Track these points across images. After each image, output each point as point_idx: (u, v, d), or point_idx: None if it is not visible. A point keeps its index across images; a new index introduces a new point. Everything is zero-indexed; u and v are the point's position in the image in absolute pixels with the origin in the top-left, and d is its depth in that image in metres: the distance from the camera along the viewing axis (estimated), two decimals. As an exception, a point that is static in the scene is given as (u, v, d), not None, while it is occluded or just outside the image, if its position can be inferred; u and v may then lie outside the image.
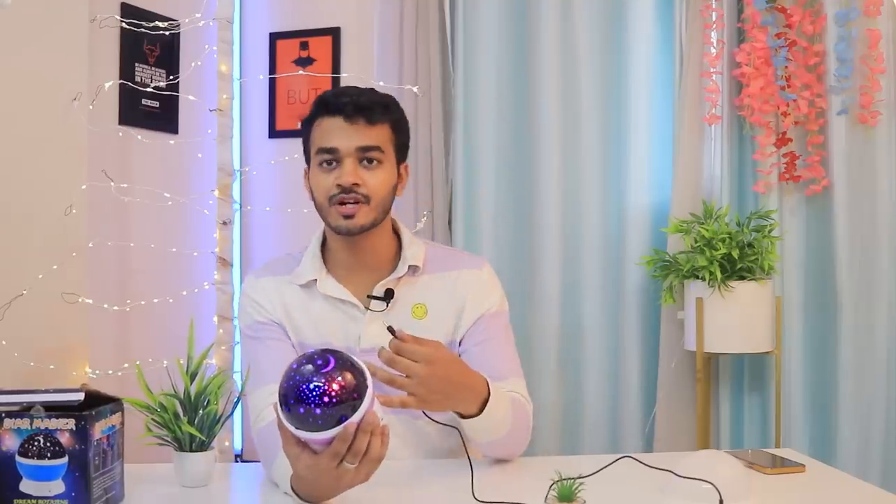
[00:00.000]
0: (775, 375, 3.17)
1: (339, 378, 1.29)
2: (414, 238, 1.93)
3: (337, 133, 1.78)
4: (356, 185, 1.76)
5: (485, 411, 1.65)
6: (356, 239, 1.82)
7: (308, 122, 1.86)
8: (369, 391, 1.32)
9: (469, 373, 1.66)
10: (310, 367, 1.30)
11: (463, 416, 1.67)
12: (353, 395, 1.30)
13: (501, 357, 1.87)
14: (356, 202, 1.77)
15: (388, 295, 1.83)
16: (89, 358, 3.06)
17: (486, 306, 1.89)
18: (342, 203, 1.77)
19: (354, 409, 1.30)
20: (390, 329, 1.55)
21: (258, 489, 1.73)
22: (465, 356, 1.83)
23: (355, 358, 1.34)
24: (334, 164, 1.79)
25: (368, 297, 1.83)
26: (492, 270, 1.96)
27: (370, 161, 1.79)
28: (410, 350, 1.55)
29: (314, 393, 1.28)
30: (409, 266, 1.86)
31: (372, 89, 1.86)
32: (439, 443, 1.87)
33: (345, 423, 1.29)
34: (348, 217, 1.77)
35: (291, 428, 1.31)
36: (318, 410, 1.28)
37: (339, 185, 1.76)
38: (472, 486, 1.52)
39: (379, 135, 1.80)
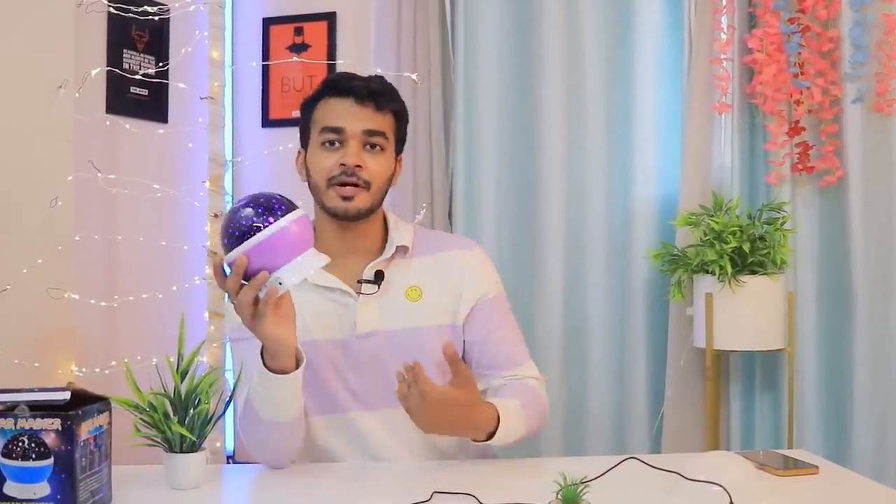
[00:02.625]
0: (788, 373, 3.16)
1: (235, 215, 1.53)
2: (399, 220, 2.00)
3: (345, 114, 1.86)
4: (359, 167, 1.83)
5: (493, 439, 1.77)
6: (349, 224, 1.89)
7: (312, 102, 1.93)
8: (256, 238, 1.50)
9: (472, 414, 1.75)
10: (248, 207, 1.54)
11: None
12: (237, 232, 1.51)
13: (512, 343, 1.98)
14: (356, 185, 1.84)
15: (379, 277, 1.88)
16: (75, 355, 3.06)
17: (483, 289, 1.96)
18: (342, 184, 1.84)
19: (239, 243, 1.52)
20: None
21: (251, 491, 1.73)
22: (474, 347, 1.93)
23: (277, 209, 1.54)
24: (337, 144, 1.86)
25: (359, 281, 1.88)
26: (483, 252, 2.04)
27: (374, 146, 1.87)
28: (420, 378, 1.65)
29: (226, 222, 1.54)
30: (398, 247, 1.92)
31: (379, 76, 1.97)
32: (444, 444, 1.92)
33: (215, 258, 1.53)
34: (347, 199, 1.84)
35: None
36: (224, 240, 1.54)
37: (342, 165, 1.84)
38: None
39: (384, 121, 1.89)
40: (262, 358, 1.66)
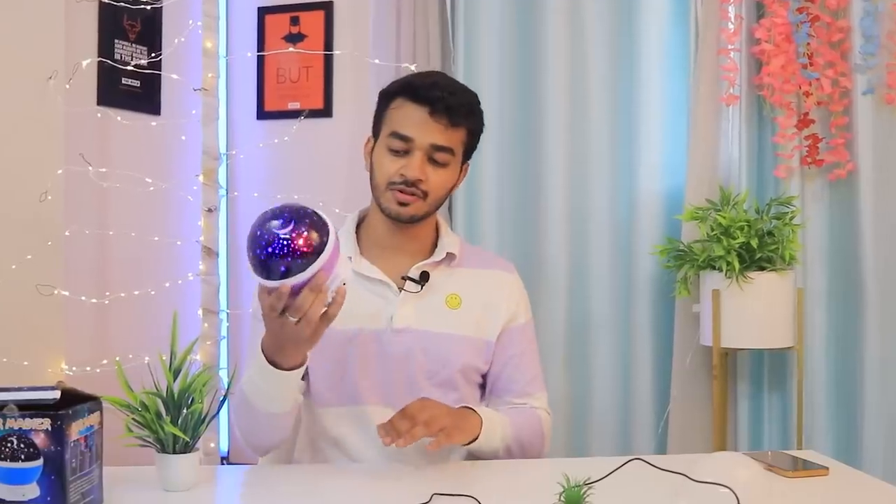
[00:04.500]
0: (797, 372, 3.16)
1: (285, 236, 1.47)
2: (449, 229, 2.06)
3: (416, 124, 1.87)
4: (420, 180, 1.87)
5: (477, 442, 1.83)
6: (402, 224, 1.93)
7: (388, 97, 1.94)
8: (323, 256, 1.48)
9: (453, 409, 1.82)
10: (272, 221, 1.48)
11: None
12: (299, 254, 1.46)
13: (532, 372, 2.04)
14: (414, 195, 1.87)
15: (424, 277, 1.94)
16: (66, 354, 3.05)
17: (516, 313, 2.04)
18: (400, 191, 1.87)
19: (301, 268, 1.47)
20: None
21: (245, 493, 1.73)
22: (493, 370, 2.01)
23: (324, 226, 1.50)
24: (403, 152, 1.88)
25: (403, 278, 1.94)
26: (519, 277, 2.11)
27: (438, 161, 1.89)
28: (398, 416, 1.73)
29: (260, 242, 1.47)
30: (447, 253, 1.97)
31: (462, 86, 1.97)
32: (448, 447, 1.93)
33: (280, 282, 1.48)
34: (402, 204, 1.89)
35: (250, 270, 1.51)
36: (261, 257, 1.47)
37: (402, 175, 1.87)
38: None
39: (455, 137, 1.91)
40: (265, 355, 1.67)
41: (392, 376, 1.92)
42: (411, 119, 1.87)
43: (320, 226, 1.49)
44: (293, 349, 1.63)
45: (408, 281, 1.93)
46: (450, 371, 1.93)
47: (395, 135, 1.87)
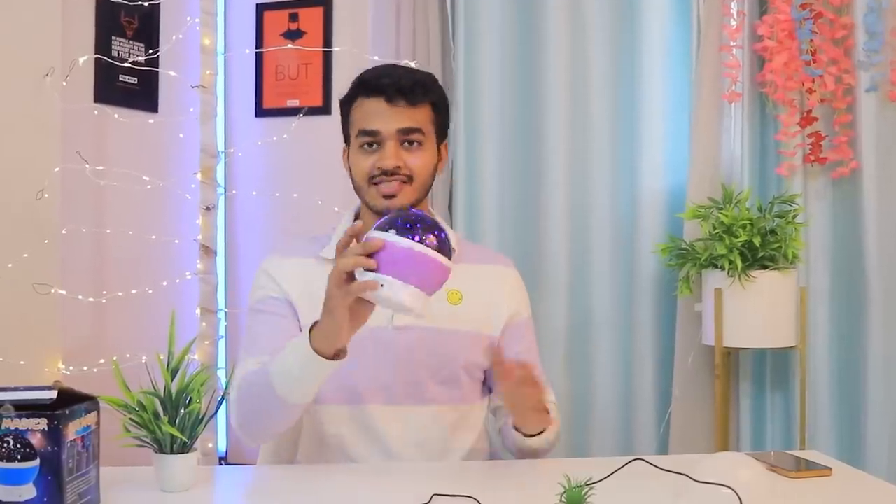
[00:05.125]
0: (800, 372, 3.16)
1: (418, 218, 1.51)
2: (446, 224, 2.03)
3: (378, 115, 1.89)
4: (398, 167, 1.87)
5: (542, 435, 1.89)
6: None
7: (347, 102, 1.98)
8: (407, 243, 1.47)
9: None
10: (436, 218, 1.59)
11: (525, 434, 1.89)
12: (413, 232, 1.49)
13: (538, 367, 2.00)
14: (400, 182, 1.88)
15: None
16: (62, 353, 3.06)
17: (518, 308, 2.05)
18: (379, 183, 1.88)
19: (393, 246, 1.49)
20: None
21: (243, 494, 1.73)
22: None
23: (439, 252, 1.51)
24: (375, 146, 1.89)
25: None
26: (518, 273, 2.12)
27: (411, 143, 1.90)
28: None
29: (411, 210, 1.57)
30: None
31: (412, 68, 2.03)
32: (449, 444, 1.95)
33: (375, 233, 1.51)
34: (389, 196, 1.88)
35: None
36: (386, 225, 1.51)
37: (380, 168, 1.87)
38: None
39: (420, 116, 1.91)
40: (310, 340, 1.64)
41: (394, 374, 1.91)
42: (372, 113, 1.89)
43: (437, 248, 1.50)
44: (326, 314, 1.60)
45: None
46: (453, 368, 1.93)
47: (362, 132, 1.89)
